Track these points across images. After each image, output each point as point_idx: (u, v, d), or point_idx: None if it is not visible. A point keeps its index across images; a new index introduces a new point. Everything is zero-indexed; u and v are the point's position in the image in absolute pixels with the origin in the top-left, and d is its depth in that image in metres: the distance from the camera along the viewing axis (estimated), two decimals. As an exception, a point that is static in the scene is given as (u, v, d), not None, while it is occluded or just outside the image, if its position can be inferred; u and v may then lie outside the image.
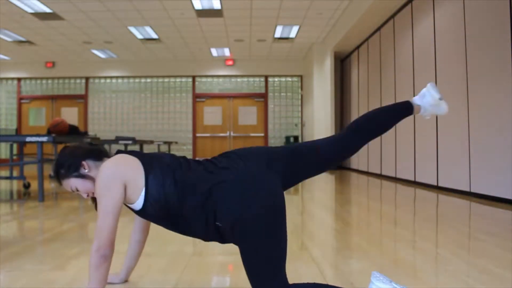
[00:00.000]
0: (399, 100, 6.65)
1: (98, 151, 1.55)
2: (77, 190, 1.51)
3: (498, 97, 4.11)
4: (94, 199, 1.54)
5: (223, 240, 1.44)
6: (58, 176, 1.52)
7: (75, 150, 1.53)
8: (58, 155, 1.54)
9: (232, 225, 1.34)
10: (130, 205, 1.45)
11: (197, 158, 1.55)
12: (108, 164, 1.41)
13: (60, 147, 8.96)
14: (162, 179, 1.39)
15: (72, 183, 1.50)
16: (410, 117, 6.12)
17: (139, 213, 1.45)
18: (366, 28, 7.88)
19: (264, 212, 1.33)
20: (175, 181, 1.39)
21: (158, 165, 1.43)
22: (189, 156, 12.43)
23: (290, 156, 1.53)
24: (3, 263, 2.00)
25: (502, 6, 4.03)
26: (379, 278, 1.41)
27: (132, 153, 1.48)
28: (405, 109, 1.76)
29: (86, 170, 1.50)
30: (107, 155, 1.56)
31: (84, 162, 1.50)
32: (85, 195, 1.52)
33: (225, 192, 1.36)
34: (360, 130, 1.66)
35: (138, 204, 1.41)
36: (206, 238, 1.46)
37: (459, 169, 4.83)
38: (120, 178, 1.37)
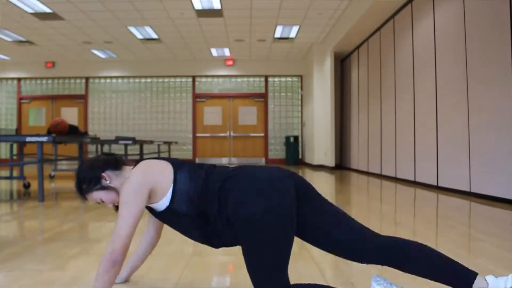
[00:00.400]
0: (398, 102, 6.65)
1: (115, 161, 1.57)
2: (102, 202, 1.55)
3: (498, 97, 4.11)
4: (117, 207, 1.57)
5: (230, 240, 1.44)
6: (82, 191, 1.55)
7: (93, 163, 1.55)
8: (77, 171, 1.56)
9: (244, 217, 1.35)
10: (154, 204, 1.47)
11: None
12: (138, 172, 1.44)
13: (60, 147, 8.97)
14: (191, 173, 1.45)
15: (96, 195, 1.53)
16: (410, 114, 6.13)
17: (163, 212, 1.47)
18: (366, 28, 7.88)
19: (276, 209, 1.35)
20: (205, 173, 1.46)
21: (187, 164, 1.50)
22: (189, 156, 12.44)
23: (309, 194, 1.47)
24: (3, 263, 2.00)
25: (502, 6, 4.03)
26: (380, 282, 1.41)
27: (160, 158, 1.54)
28: (465, 281, 1.28)
29: (108, 182, 1.52)
30: (125, 163, 1.59)
31: (104, 174, 1.52)
32: (110, 205, 1.55)
33: (241, 184, 1.40)
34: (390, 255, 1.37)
35: (165, 200, 1.43)
36: (218, 240, 1.47)
37: (459, 169, 4.83)
38: (147, 185, 1.41)
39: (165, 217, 1.49)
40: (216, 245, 1.50)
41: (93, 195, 1.53)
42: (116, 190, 1.51)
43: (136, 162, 1.54)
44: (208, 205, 1.40)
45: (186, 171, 1.46)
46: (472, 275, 1.27)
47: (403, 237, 1.41)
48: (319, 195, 1.50)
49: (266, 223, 1.33)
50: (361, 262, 1.41)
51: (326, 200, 1.50)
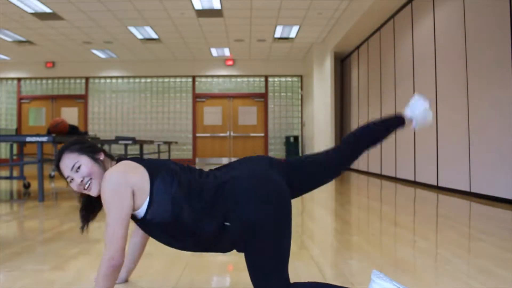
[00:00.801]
0: (398, 102, 6.65)
1: (110, 154, 1.56)
2: (77, 170, 1.42)
3: (498, 97, 4.11)
4: (82, 196, 1.50)
5: (225, 247, 1.43)
6: (68, 148, 1.46)
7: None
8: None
9: (241, 224, 1.34)
10: (134, 213, 1.42)
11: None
12: (115, 171, 1.38)
13: (60, 147, 8.96)
14: (167, 184, 1.38)
15: (81, 160, 1.43)
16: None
17: (141, 221, 1.41)
18: (366, 28, 7.88)
19: (273, 211, 1.34)
20: (180, 186, 1.38)
21: (164, 170, 1.42)
22: (189, 156, 12.44)
23: (290, 166, 1.54)
24: (3, 263, 2.00)
25: (502, 6, 4.04)
26: (380, 276, 1.41)
27: (135, 159, 1.47)
28: (398, 123, 1.81)
29: (101, 158, 1.49)
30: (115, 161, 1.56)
31: (101, 152, 1.51)
32: (79, 179, 1.43)
33: (233, 191, 1.36)
34: (357, 142, 1.72)
35: (142, 210, 1.39)
36: (208, 247, 1.45)
37: (459, 169, 4.83)
38: (128, 185, 1.35)
39: (144, 225, 1.43)
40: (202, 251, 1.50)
41: (80, 158, 1.43)
42: (101, 171, 1.44)
43: (117, 161, 1.50)
44: (189, 213, 1.36)
45: (163, 179, 1.39)
46: (400, 117, 1.81)
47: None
48: (290, 161, 1.58)
49: (266, 226, 1.33)
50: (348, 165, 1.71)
51: (298, 158, 1.62)
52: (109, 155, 1.54)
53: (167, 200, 1.36)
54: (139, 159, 1.47)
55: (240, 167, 1.46)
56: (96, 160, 1.46)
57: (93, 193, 1.44)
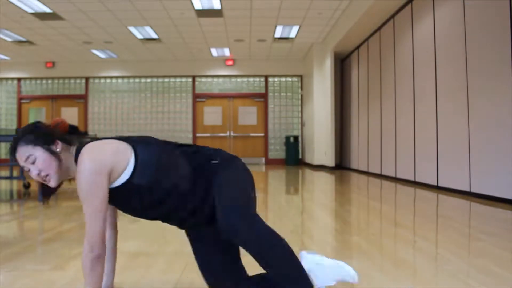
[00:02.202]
0: (398, 102, 6.66)
1: (70, 136, 1.49)
2: (32, 163, 1.37)
3: (498, 97, 4.11)
4: (42, 185, 1.45)
5: (205, 214, 1.47)
6: (21, 140, 1.39)
7: (53, 127, 1.46)
8: (33, 122, 1.44)
9: (221, 181, 1.45)
10: (114, 182, 1.37)
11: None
12: (87, 157, 1.32)
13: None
14: (149, 146, 1.43)
15: (35, 153, 1.37)
16: (410, 114, 6.13)
17: (123, 186, 1.37)
18: (366, 28, 7.88)
19: (245, 169, 1.55)
20: (160, 145, 1.46)
21: (142, 138, 1.47)
22: (189, 156, 12.41)
23: None
24: (3, 263, 2.00)
25: (502, 6, 4.04)
26: (309, 252, 1.54)
27: (107, 138, 1.45)
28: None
29: (58, 149, 1.41)
30: (81, 142, 1.47)
31: (58, 141, 1.42)
32: (35, 172, 1.37)
33: (222, 159, 1.54)
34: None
35: (124, 176, 1.36)
36: (188, 214, 1.47)
37: (459, 169, 4.83)
38: (104, 170, 1.32)
39: (118, 194, 1.38)
40: (181, 223, 1.52)
41: (34, 150, 1.37)
42: (59, 162, 1.39)
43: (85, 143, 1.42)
44: (174, 162, 1.43)
45: (143, 143, 1.42)
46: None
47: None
48: None
49: (239, 174, 1.51)
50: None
51: None
52: (67, 141, 1.46)
53: (152, 158, 1.39)
54: (112, 138, 1.45)
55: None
56: (52, 152, 1.39)
57: (52, 185, 1.41)
